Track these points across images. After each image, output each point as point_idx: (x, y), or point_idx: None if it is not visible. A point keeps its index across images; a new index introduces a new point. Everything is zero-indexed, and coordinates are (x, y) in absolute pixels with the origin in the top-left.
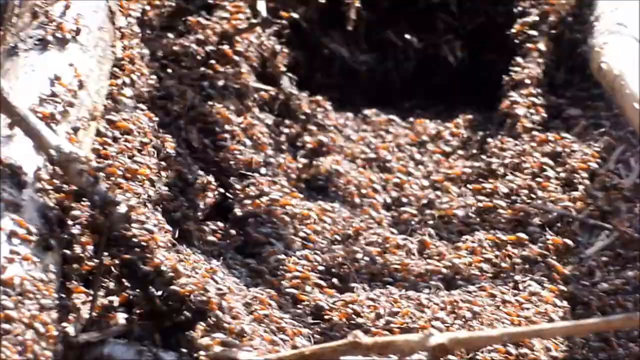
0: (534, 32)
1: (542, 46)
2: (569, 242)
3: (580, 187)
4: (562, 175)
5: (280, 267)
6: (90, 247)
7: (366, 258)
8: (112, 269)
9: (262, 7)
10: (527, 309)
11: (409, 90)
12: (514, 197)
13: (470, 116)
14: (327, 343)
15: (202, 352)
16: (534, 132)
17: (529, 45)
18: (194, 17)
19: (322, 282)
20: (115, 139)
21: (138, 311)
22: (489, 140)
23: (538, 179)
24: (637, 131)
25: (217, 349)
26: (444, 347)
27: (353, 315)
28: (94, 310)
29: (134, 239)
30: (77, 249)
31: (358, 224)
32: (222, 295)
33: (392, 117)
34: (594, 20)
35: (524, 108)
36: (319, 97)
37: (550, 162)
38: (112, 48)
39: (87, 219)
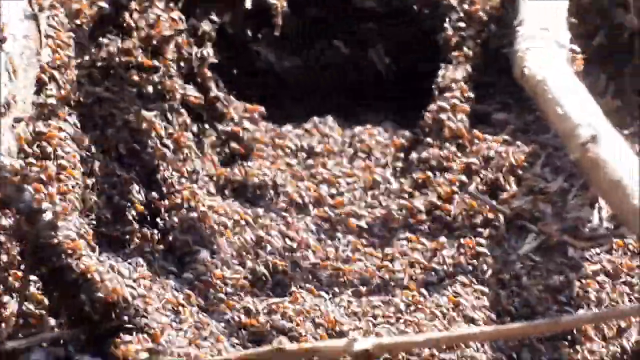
0: (460, 38)
1: (468, 51)
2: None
3: (508, 190)
4: (489, 178)
5: (208, 273)
6: (16, 255)
7: (294, 264)
8: (39, 276)
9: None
10: (453, 313)
11: (342, 94)
12: (439, 202)
13: (399, 123)
14: (251, 350)
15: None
16: (460, 137)
17: (455, 51)
18: (123, 23)
19: (249, 288)
20: (41, 147)
21: (65, 318)
22: (418, 145)
23: (464, 183)
24: (560, 135)
25: (143, 355)
26: (368, 352)
27: (279, 321)
28: (20, 318)
29: (60, 247)
30: (3, 257)
31: (286, 230)
32: (149, 302)
33: (322, 123)
34: (517, 25)
35: (450, 113)
36: (247, 103)
37: (477, 166)
38: (38, 56)
39: (13, 226)
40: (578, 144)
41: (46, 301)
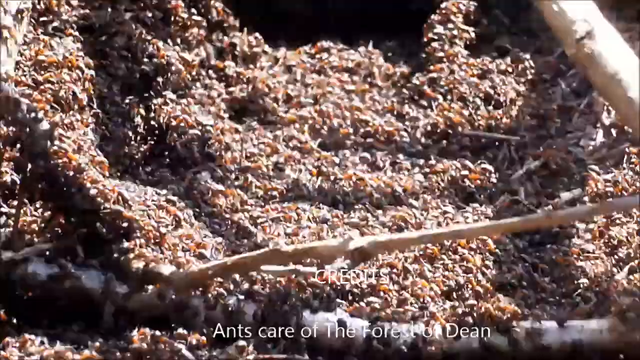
0: None
1: None
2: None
3: (510, 110)
4: (494, 99)
5: (210, 189)
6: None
7: (299, 177)
8: (36, 186)
9: None
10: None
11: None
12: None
13: (400, 43)
14: (248, 253)
15: (126, 267)
16: (463, 59)
17: None
18: None
19: (257, 203)
20: (42, 63)
21: (63, 228)
22: (421, 66)
23: (468, 104)
24: (556, 32)
25: (142, 264)
26: (363, 250)
27: (279, 229)
28: (18, 228)
29: (57, 156)
30: None
31: (292, 147)
32: (148, 211)
33: (325, 44)
34: None
35: (453, 34)
36: (249, 29)
37: (482, 87)
38: None
39: (7, 134)
40: (574, 39)
41: (44, 212)
